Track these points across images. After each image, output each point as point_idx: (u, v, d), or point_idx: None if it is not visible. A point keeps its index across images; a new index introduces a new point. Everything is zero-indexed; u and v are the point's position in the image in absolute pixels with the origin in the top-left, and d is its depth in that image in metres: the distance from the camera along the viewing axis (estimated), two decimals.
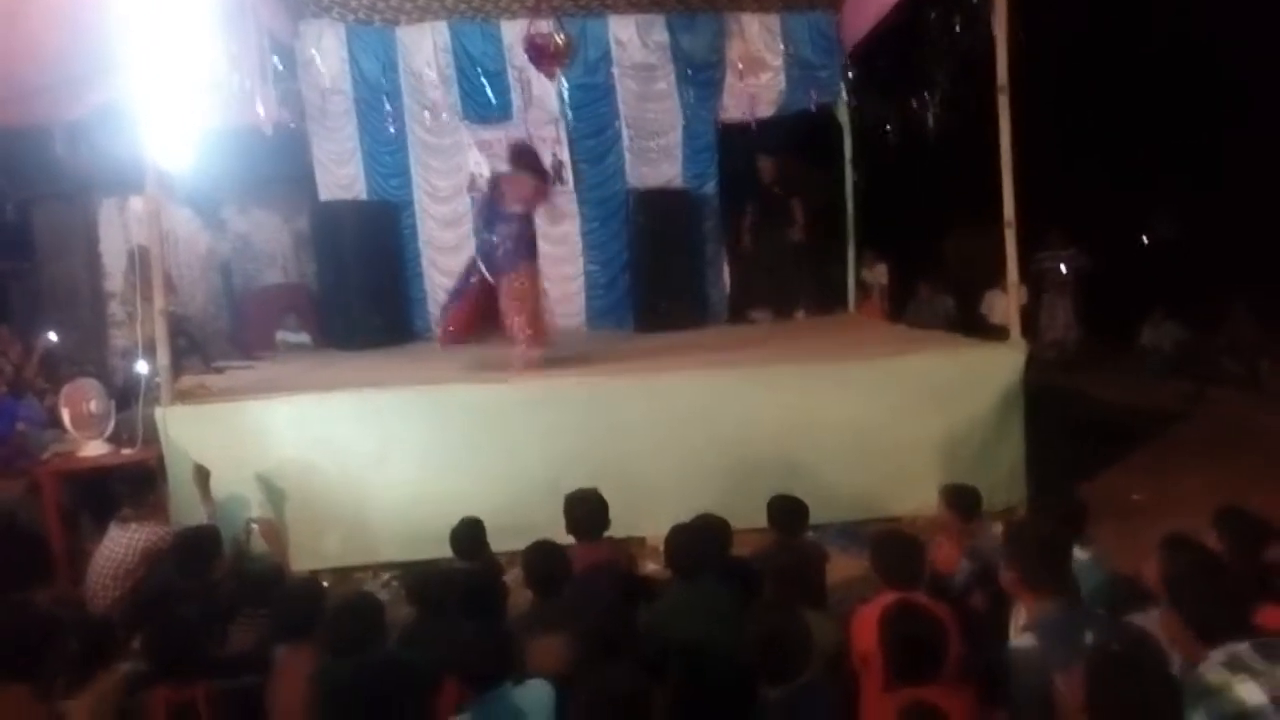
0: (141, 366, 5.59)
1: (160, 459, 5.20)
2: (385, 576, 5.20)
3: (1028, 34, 6.03)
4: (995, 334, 7.20)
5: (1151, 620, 2.80)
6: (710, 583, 3.48)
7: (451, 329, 6.64)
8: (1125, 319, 11.24)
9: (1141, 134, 13.96)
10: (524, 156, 6.68)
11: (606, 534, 4.15)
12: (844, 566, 4.45)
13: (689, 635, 3.13)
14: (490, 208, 6.41)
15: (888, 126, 8.64)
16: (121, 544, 4.36)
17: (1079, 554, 3.31)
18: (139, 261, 6.02)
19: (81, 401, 5.39)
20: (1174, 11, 12.97)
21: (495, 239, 6.21)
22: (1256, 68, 12.18)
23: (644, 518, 4.96)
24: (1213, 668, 2.42)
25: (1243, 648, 2.42)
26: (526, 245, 6.33)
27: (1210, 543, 3.21)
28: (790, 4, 8.97)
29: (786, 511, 4.15)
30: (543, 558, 3.58)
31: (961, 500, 4.19)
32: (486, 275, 6.24)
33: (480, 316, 6.38)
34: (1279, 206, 12.25)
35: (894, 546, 3.36)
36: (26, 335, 7.65)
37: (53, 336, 7.69)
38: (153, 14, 5.16)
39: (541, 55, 8.18)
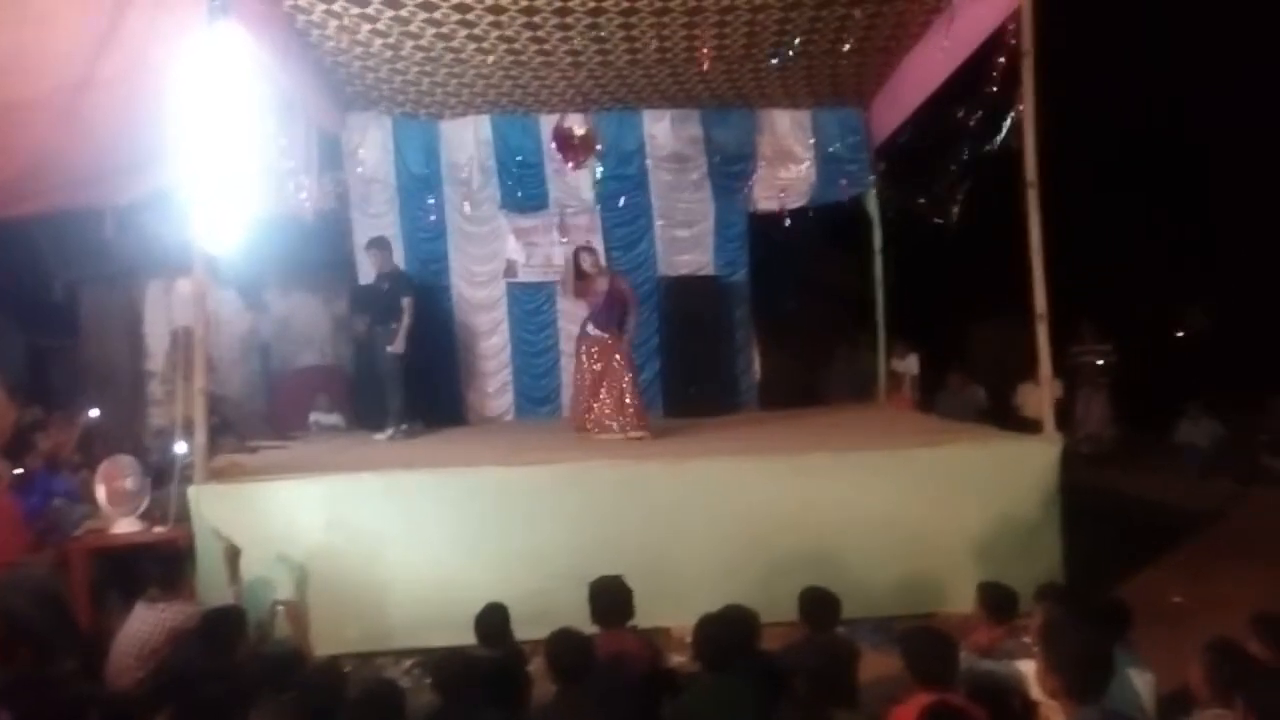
0: (178, 445, 5.66)
1: (191, 538, 5.23)
2: (408, 663, 5.13)
3: (1058, 127, 6.12)
4: (1029, 427, 7.12)
5: None
6: (737, 677, 3.40)
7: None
8: (1162, 414, 11.08)
9: (1176, 227, 13.99)
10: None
11: (632, 623, 4.09)
12: (876, 664, 4.33)
13: None
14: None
15: (917, 217, 8.72)
16: (148, 623, 4.35)
17: (1122, 657, 3.21)
18: (181, 342, 6.17)
19: (117, 478, 5.47)
20: (1206, 105, 13.12)
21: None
22: None
23: (671, 607, 4.85)
24: None
25: None
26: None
27: (1251, 647, 3.11)
28: (820, 100, 9.19)
29: (818, 605, 4.07)
30: (566, 647, 3.52)
31: (996, 600, 4.11)
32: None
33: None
34: None
35: (927, 644, 3.28)
36: (68, 412, 7.79)
37: (93, 413, 7.83)
38: (204, 105, 5.39)
39: (567, 148, 8.47)
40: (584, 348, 7.48)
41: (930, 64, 7.45)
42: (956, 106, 7.22)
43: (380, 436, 7.72)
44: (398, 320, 7.61)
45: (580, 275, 7.50)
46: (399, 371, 7.70)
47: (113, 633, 4.55)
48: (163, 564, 4.68)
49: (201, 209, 5.38)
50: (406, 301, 7.66)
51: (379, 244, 8.06)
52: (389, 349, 7.62)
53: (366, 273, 9.21)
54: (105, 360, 9.97)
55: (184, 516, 5.31)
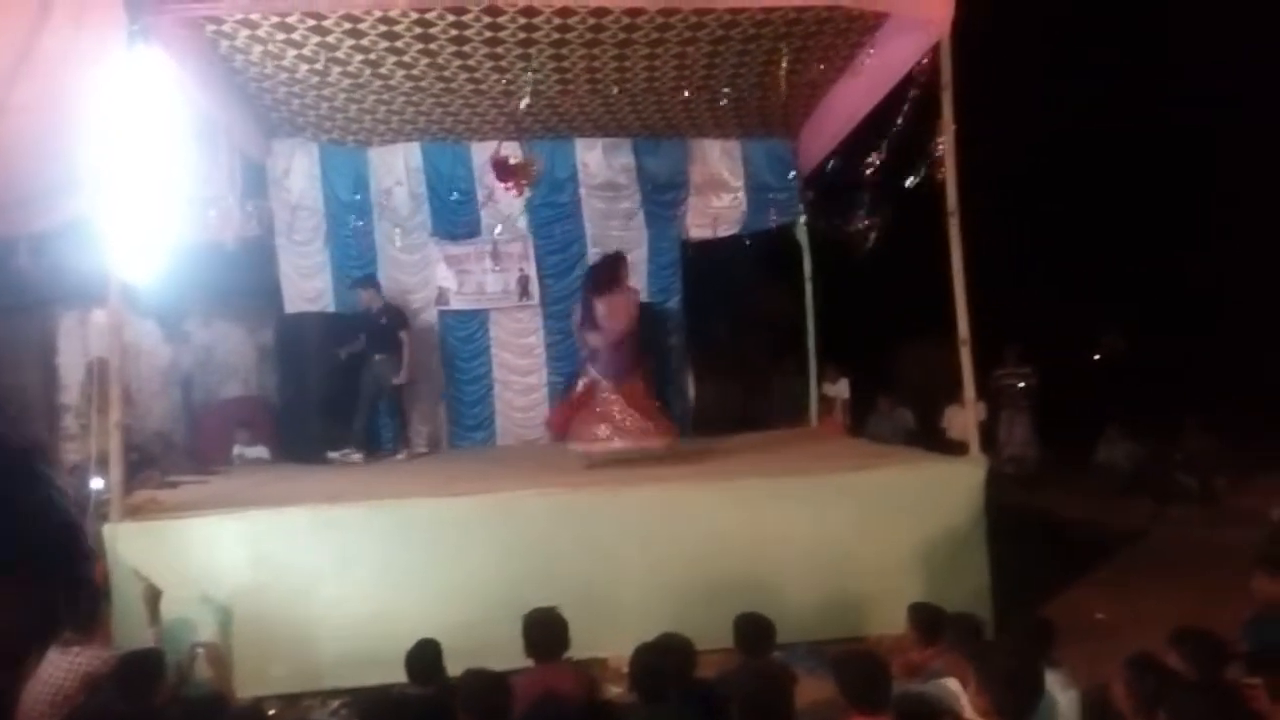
0: (93, 481, 5.46)
1: (108, 578, 5.03)
2: (335, 703, 4.99)
3: (978, 157, 6.31)
4: (955, 449, 7.27)
5: None
6: (674, 707, 3.39)
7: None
8: (1082, 435, 11.42)
9: (1096, 253, 14.52)
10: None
11: (567, 655, 4.04)
12: (812, 689, 4.35)
13: None
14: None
15: (845, 245, 8.90)
16: (62, 668, 4.16)
17: (1047, 675, 3.28)
18: (96, 374, 5.97)
19: None
20: (1123, 134, 13.68)
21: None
22: (1207, 184, 12.81)
23: (606, 637, 4.83)
24: None
25: None
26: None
27: (1171, 662, 3.20)
28: (749, 131, 9.34)
29: (753, 631, 4.08)
30: (479, 688, 3.36)
31: (926, 620, 4.16)
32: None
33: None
34: (1231, 323, 12.70)
35: (860, 668, 3.30)
36: None
37: None
38: (123, 131, 5.25)
39: (506, 175, 8.47)
40: None
41: (855, 96, 7.65)
42: (880, 138, 7.41)
43: (399, 457, 8.43)
44: (394, 351, 8.28)
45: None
46: (395, 397, 8.55)
47: (24, 679, 4.35)
48: (77, 606, 4.49)
49: (119, 237, 5.23)
50: (405, 335, 8.37)
51: (370, 282, 8.66)
52: (395, 380, 8.36)
53: (293, 300, 9.10)
54: (17, 394, 9.56)
55: (100, 556, 5.11)
